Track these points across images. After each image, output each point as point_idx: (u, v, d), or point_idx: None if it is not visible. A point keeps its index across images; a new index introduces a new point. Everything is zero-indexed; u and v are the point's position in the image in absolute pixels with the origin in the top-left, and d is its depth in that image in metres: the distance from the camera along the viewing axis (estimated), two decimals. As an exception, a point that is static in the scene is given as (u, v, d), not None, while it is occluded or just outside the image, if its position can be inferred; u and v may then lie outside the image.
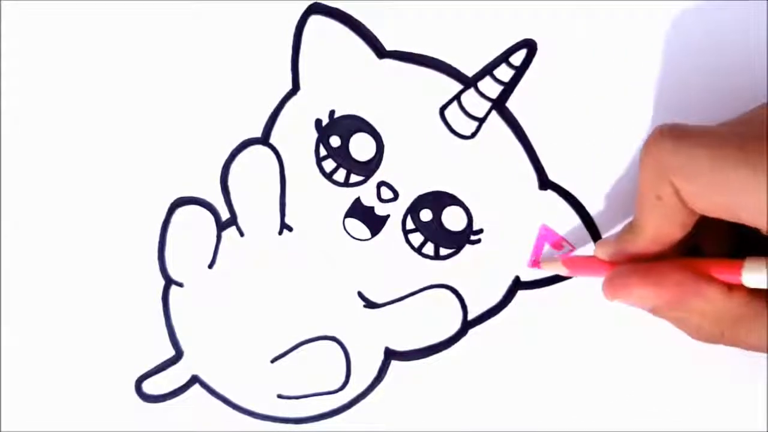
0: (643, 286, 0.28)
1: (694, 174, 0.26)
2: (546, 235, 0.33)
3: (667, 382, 0.33)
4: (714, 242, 0.29)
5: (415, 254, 0.33)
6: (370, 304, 0.33)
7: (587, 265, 0.31)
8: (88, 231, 0.33)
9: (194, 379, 0.34)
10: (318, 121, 0.33)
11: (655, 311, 0.29)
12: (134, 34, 0.33)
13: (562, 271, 0.32)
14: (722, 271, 0.27)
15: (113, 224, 0.33)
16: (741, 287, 0.27)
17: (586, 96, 0.32)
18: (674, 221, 0.27)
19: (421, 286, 0.33)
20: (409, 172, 0.33)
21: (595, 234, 0.33)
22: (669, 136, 0.26)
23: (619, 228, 0.32)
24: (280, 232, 0.34)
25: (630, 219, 0.30)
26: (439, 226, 0.33)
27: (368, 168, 0.33)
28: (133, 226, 0.33)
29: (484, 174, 0.33)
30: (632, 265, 0.29)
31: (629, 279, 0.28)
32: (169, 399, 0.34)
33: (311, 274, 0.33)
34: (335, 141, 0.33)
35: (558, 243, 0.33)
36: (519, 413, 0.33)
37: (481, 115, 0.33)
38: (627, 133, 0.32)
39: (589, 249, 0.33)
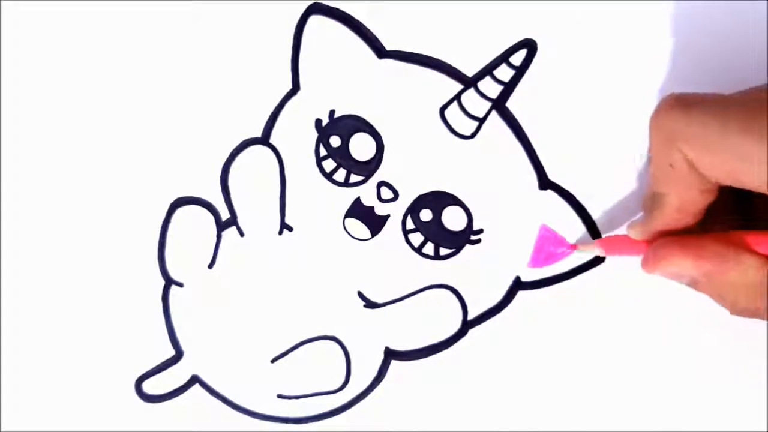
0: (684, 257, 0.28)
1: (702, 141, 0.26)
2: (546, 235, 0.33)
3: (667, 382, 0.33)
4: (713, 221, 0.30)
5: (415, 254, 0.33)
6: (370, 304, 0.33)
7: (623, 245, 0.31)
8: (88, 231, 0.33)
9: (194, 379, 0.34)
10: (318, 121, 0.33)
11: (693, 284, 0.29)
12: (134, 35, 0.33)
13: (599, 252, 0.32)
14: (760, 243, 0.27)
15: (113, 224, 0.33)
16: None
17: (586, 96, 0.32)
18: (692, 188, 0.27)
19: (421, 286, 0.33)
20: (409, 172, 0.33)
21: (595, 234, 0.33)
22: (677, 104, 0.27)
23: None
24: (280, 232, 0.34)
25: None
26: (439, 226, 0.33)
27: (368, 168, 0.33)
28: (133, 226, 0.33)
29: (484, 174, 0.33)
30: (672, 237, 0.29)
31: (670, 250, 0.28)
32: (169, 399, 0.34)
33: (311, 274, 0.33)
34: (335, 141, 0.33)
35: (558, 243, 0.33)
36: (519, 413, 0.33)
37: (481, 115, 0.33)
38: (627, 133, 0.32)
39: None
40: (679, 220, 0.29)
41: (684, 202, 0.28)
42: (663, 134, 0.27)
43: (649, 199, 0.29)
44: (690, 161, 0.27)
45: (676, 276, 0.29)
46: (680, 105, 0.27)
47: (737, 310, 0.29)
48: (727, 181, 0.26)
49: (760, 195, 0.26)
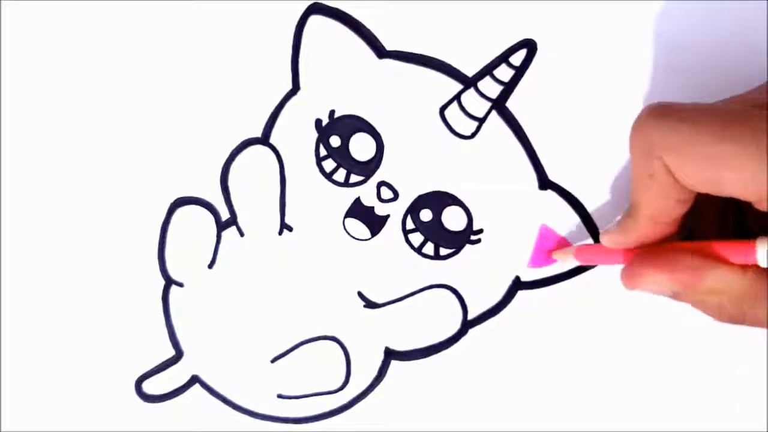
0: (659, 273, 0.28)
1: (681, 149, 0.26)
2: (546, 235, 0.33)
3: (667, 381, 0.33)
4: (705, 228, 0.30)
5: (415, 254, 0.33)
6: (370, 304, 0.33)
7: (598, 253, 0.31)
8: (88, 231, 0.33)
9: (194, 379, 0.34)
10: (318, 121, 0.33)
11: (675, 297, 0.29)
12: (134, 34, 0.33)
13: (574, 262, 0.32)
14: (734, 253, 0.27)
15: (113, 224, 0.33)
16: (754, 267, 0.27)
17: (586, 96, 0.32)
18: (669, 198, 0.27)
19: (421, 286, 0.33)
20: (409, 172, 0.33)
21: (595, 234, 0.33)
22: (656, 114, 0.27)
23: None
24: (280, 232, 0.34)
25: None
26: (439, 226, 0.33)
27: (368, 168, 0.33)
28: (133, 226, 0.33)
29: (484, 174, 0.33)
30: (646, 254, 0.29)
31: (644, 268, 0.28)
32: (169, 399, 0.34)
33: (311, 274, 0.33)
34: (335, 141, 0.33)
35: (558, 243, 0.33)
36: (519, 413, 0.33)
37: (481, 115, 0.33)
38: (627, 133, 0.32)
39: (589, 249, 0.33)
40: (653, 229, 0.28)
41: (658, 213, 0.28)
42: (643, 144, 0.27)
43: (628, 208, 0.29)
44: (670, 171, 0.26)
45: (656, 291, 0.29)
46: (660, 114, 0.27)
47: (722, 318, 0.29)
48: (707, 190, 0.26)
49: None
